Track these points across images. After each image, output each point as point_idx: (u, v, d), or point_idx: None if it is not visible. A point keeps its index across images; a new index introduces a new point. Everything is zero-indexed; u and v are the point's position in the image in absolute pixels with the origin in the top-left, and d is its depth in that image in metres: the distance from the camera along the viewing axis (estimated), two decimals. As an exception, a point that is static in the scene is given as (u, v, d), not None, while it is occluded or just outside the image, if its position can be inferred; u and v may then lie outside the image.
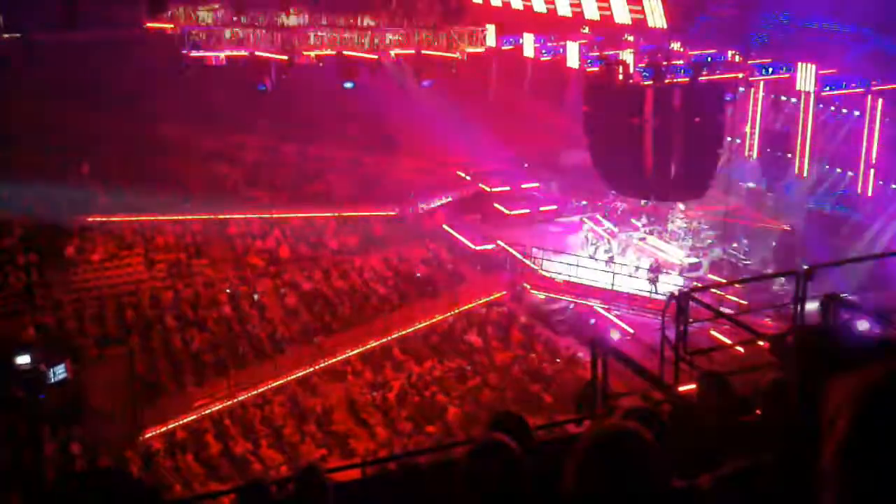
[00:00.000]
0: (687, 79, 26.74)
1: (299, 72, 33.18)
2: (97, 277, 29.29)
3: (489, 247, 31.95)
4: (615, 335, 24.57)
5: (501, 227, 33.44)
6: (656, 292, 27.37)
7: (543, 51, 32.65)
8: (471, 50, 32.89)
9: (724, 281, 26.30)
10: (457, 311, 28.68)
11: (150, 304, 28.30)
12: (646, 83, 26.80)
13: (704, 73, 27.37)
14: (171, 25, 32.34)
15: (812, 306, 8.14)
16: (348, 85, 34.82)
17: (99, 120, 31.29)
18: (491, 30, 33.54)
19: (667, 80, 26.55)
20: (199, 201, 32.42)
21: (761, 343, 9.24)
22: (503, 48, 33.98)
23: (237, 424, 23.73)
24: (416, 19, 33.01)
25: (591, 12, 29.17)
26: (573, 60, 30.98)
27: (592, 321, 27.84)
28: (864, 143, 26.61)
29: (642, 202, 32.13)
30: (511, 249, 31.08)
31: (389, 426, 23.32)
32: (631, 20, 28.08)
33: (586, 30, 31.48)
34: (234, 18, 32.08)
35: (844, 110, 28.21)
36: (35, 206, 28.61)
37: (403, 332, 27.54)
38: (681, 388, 8.12)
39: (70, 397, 22.24)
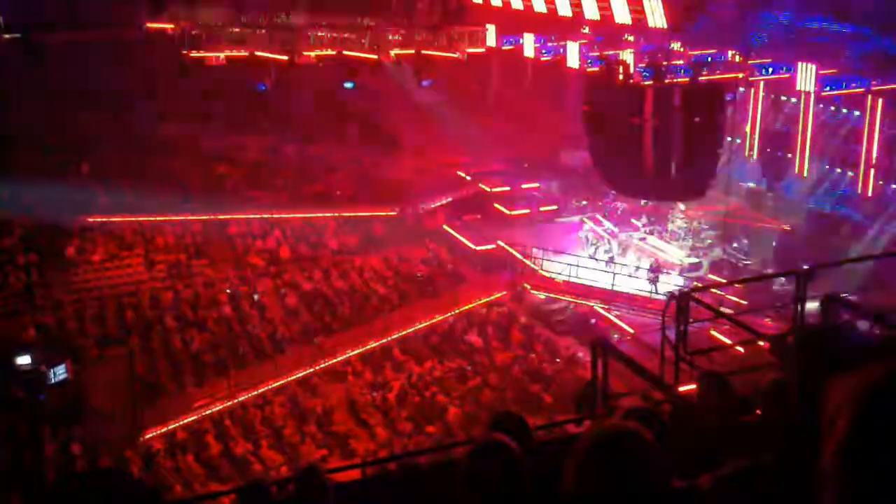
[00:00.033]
0: (687, 79, 26.72)
1: (299, 72, 33.20)
2: (97, 278, 29.30)
3: (489, 247, 31.94)
4: (614, 335, 24.59)
5: (501, 227, 33.44)
6: (656, 292, 27.38)
7: (544, 51, 32.63)
8: (471, 50, 32.90)
9: (724, 281, 26.31)
10: (457, 311, 28.68)
11: (150, 305, 28.30)
12: (646, 83, 26.77)
13: (704, 73, 27.36)
14: (172, 25, 32.35)
15: (812, 306, 8.14)
16: (348, 85, 34.85)
17: (99, 120, 31.29)
18: (491, 30, 33.55)
19: (667, 80, 26.52)
20: (199, 201, 32.41)
21: (761, 343, 9.25)
22: (503, 48, 33.98)
23: (237, 425, 23.73)
24: (417, 19, 33.01)
25: (592, 12, 29.14)
26: (573, 60, 30.97)
27: (593, 321, 27.85)
28: (864, 143, 26.60)
29: (642, 202, 32.13)
30: (511, 249, 31.08)
31: (390, 426, 23.32)
32: (631, 20, 28.06)
33: (586, 30, 31.47)
34: (237, 19, 32.09)
35: (844, 110, 28.21)
36: (35, 206, 28.59)
37: (404, 333, 27.54)
38: (681, 389, 8.12)
39: (70, 398, 22.25)
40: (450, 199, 35.59)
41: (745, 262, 29.67)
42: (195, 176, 34.84)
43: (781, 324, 17.44)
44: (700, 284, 23.02)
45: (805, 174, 28.59)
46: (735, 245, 30.42)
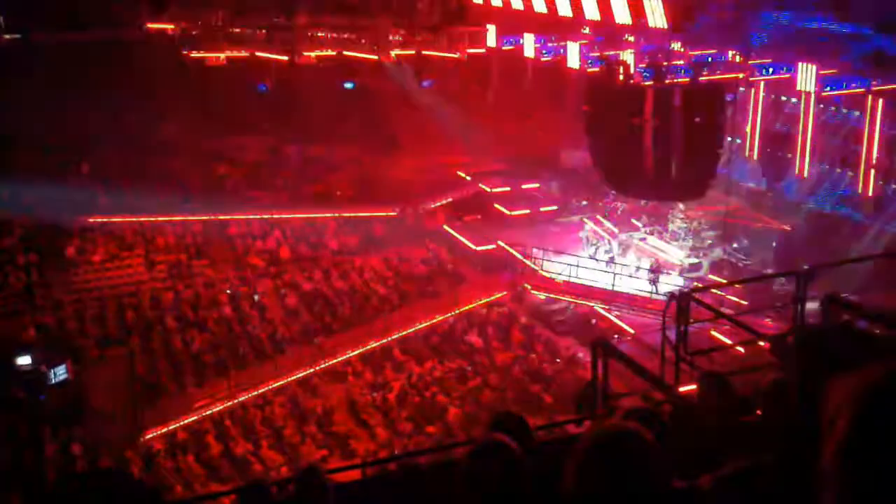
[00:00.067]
0: (687, 79, 26.73)
1: (300, 72, 33.23)
2: (98, 278, 29.32)
3: (490, 247, 31.94)
4: (615, 336, 24.60)
5: (502, 227, 33.44)
6: (657, 293, 27.37)
7: (544, 51, 32.65)
8: (471, 50, 32.92)
9: (724, 281, 26.29)
10: (457, 311, 28.67)
11: (150, 305, 28.31)
12: (646, 83, 26.78)
13: (705, 73, 27.37)
14: (172, 26, 32.38)
15: (812, 306, 8.14)
16: (348, 85, 34.91)
17: (99, 120, 31.28)
18: (491, 30, 33.57)
19: (667, 81, 26.53)
20: (199, 201, 32.43)
21: (762, 343, 9.24)
22: (503, 48, 33.98)
23: (238, 425, 23.73)
24: (417, 20, 33.02)
25: (592, 12, 29.15)
26: (574, 61, 30.98)
27: (593, 321, 27.85)
28: (865, 144, 26.59)
29: (642, 202, 32.12)
30: (511, 250, 31.08)
31: (390, 427, 23.32)
32: (631, 20, 28.06)
33: (587, 30, 31.48)
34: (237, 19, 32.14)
35: (845, 110, 28.20)
36: (35, 206, 28.60)
37: (404, 333, 27.54)
38: (681, 389, 8.11)
39: (71, 398, 22.26)
40: (450, 200, 35.59)
41: (746, 263, 29.66)
42: (195, 176, 34.85)
43: (782, 324, 17.44)
44: (700, 285, 23.01)
45: (805, 174, 28.57)
46: (735, 245, 30.41)
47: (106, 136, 32.29)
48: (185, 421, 23.69)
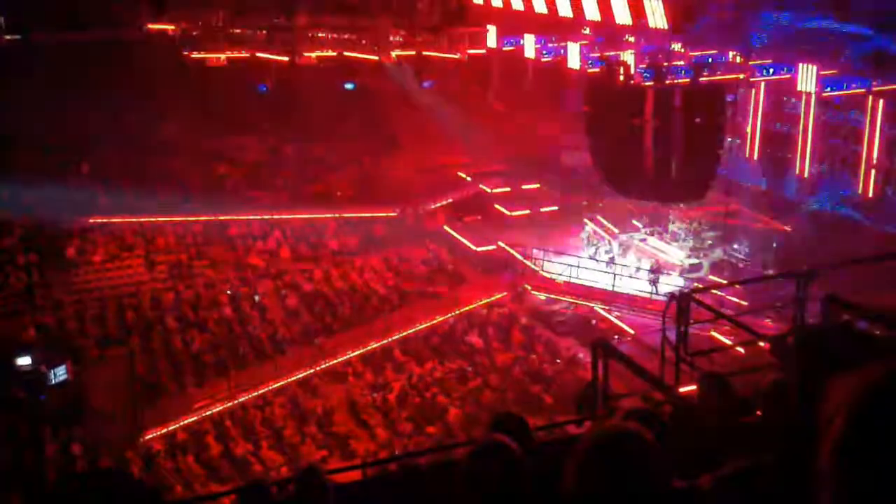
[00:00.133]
0: (688, 80, 26.74)
1: (300, 72, 33.23)
2: (98, 278, 29.32)
3: (490, 248, 31.94)
4: (615, 336, 24.60)
5: (502, 227, 33.44)
6: (657, 293, 27.37)
7: (544, 52, 32.66)
8: (471, 51, 32.92)
9: (724, 282, 26.28)
10: (458, 312, 28.67)
11: (150, 305, 28.32)
12: (647, 84, 26.79)
13: (705, 73, 27.36)
14: (172, 26, 32.38)
15: (813, 307, 8.14)
16: (349, 86, 34.92)
17: (99, 120, 31.28)
18: (492, 31, 33.56)
19: (667, 81, 26.54)
20: (199, 201, 32.43)
21: (762, 344, 9.25)
22: (504, 49, 33.98)
23: (238, 425, 23.73)
24: (417, 20, 33.02)
25: (592, 13, 29.16)
26: (574, 61, 30.99)
27: (594, 322, 27.85)
28: (865, 144, 26.58)
29: (641, 202, 32.10)
30: (512, 250, 31.08)
31: (390, 427, 23.32)
32: (632, 21, 28.07)
33: (587, 31, 31.49)
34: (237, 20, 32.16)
35: (845, 112, 28.18)
36: (35, 206, 28.61)
37: (404, 333, 27.54)
38: (681, 389, 8.11)
39: (71, 398, 22.27)
40: (450, 200, 35.60)
41: (746, 263, 29.65)
42: (195, 176, 34.86)
43: (782, 325, 17.43)
44: (700, 285, 23.00)
45: (805, 174, 28.57)
46: (735, 246, 30.41)
47: (106, 136, 32.30)
48: (185, 421, 23.69)
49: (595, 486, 2.30)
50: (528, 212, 34.69)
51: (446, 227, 33.79)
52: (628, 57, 29.14)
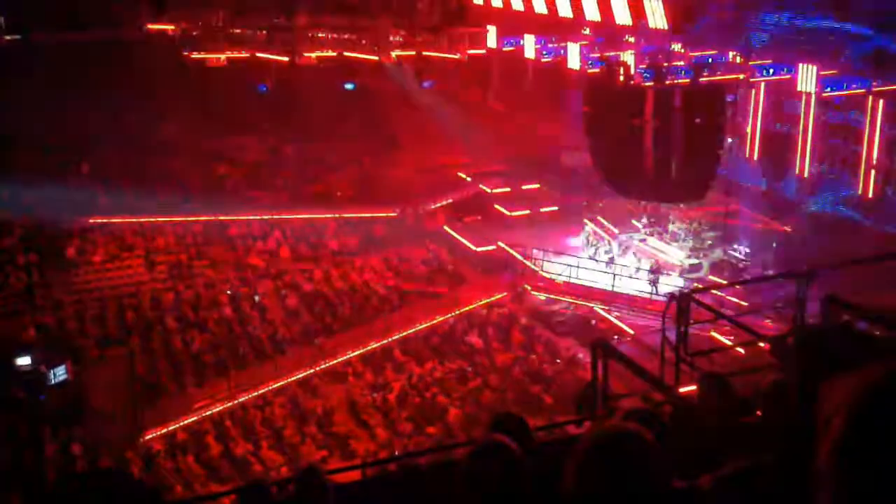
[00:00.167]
0: (688, 80, 26.75)
1: (300, 72, 33.23)
2: (98, 278, 29.33)
3: (490, 248, 31.94)
4: (615, 337, 24.59)
5: (502, 228, 33.44)
6: (657, 293, 27.36)
7: (544, 52, 32.66)
8: (471, 51, 32.91)
9: (724, 282, 26.27)
10: (457, 312, 28.67)
11: (150, 306, 28.32)
12: (647, 84, 26.80)
13: (705, 74, 27.38)
14: (172, 26, 32.38)
15: (812, 307, 8.14)
16: (349, 86, 34.91)
17: (99, 120, 31.30)
18: (492, 31, 33.57)
19: (667, 82, 26.55)
20: (199, 201, 32.45)
21: (762, 344, 9.25)
22: (504, 49, 33.98)
23: (238, 425, 23.73)
24: (417, 20, 33.02)
25: (592, 13, 29.17)
26: (574, 62, 30.99)
27: (593, 322, 27.85)
28: (865, 145, 26.58)
29: (641, 203, 32.11)
30: (511, 250, 31.08)
31: (390, 427, 23.32)
32: (632, 21, 28.08)
33: (587, 31, 31.49)
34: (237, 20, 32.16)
35: (845, 112, 28.18)
36: (35, 206, 28.62)
37: (404, 334, 27.54)
38: (681, 390, 8.12)
39: (71, 398, 22.27)
40: (450, 200, 35.61)
41: (745, 263, 29.65)
42: (195, 176, 34.87)
43: (782, 325, 17.43)
44: (700, 286, 23.00)
45: (805, 175, 28.57)
46: (735, 246, 30.40)
47: (106, 136, 32.32)
48: (185, 421, 23.68)
49: (595, 487, 2.30)
50: (528, 212, 34.69)
51: (446, 228, 33.79)
52: (628, 57, 29.14)
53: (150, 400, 24.18)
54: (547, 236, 32.04)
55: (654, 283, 28.36)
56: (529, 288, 29.37)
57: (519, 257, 30.77)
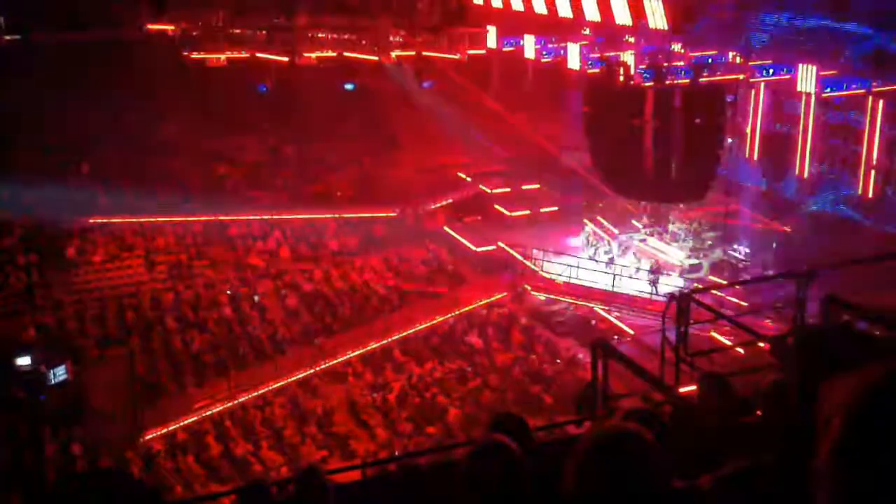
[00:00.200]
0: (687, 80, 26.76)
1: (300, 72, 33.23)
2: (98, 278, 29.33)
3: (490, 248, 31.94)
4: (614, 337, 24.59)
5: (502, 228, 33.45)
6: (657, 294, 27.36)
7: (544, 52, 32.67)
8: (471, 51, 32.91)
9: (724, 282, 26.28)
10: (457, 312, 28.67)
11: (150, 306, 28.32)
12: (646, 84, 26.82)
13: (705, 74, 27.39)
14: (172, 27, 32.38)
15: (812, 308, 8.14)
16: (349, 86, 34.90)
17: (99, 120, 31.31)
18: (492, 31, 33.56)
19: (667, 82, 26.57)
20: (199, 201, 32.45)
21: (762, 344, 9.25)
22: (504, 49, 33.98)
23: (238, 426, 23.73)
24: (417, 20, 33.02)
25: (592, 13, 29.17)
26: (574, 62, 31.00)
27: (593, 322, 27.84)
28: (865, 145, 26.59)
29: (641, 203, 32.12)
30: (511, 251, 31.07)
31: (390, 427, 23.32)
32: (632, 21, 28.09)
33: (587, 31, 31.50)
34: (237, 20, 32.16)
35: (845, 112, 28.19)
36: (35, 206, 28.63)
37: (404, 334, 27.53)
38: (681, 390, 8.11)
39: (71, 398, 22.27)
40: (450, 200, 35.60)
41: (745, 263, 29.65)
42: (195, 176, 34.87)
43: (781, 325, 17.43)
44: (700, 286, 23.00)
45: (805, 175, 28.58)
46: (735, 246, 30.40)
47: (106, 136, 32.32)
48: (185, 421, 23.68)
49: (595, 487, 2.30)
50: (528, 212, 34.70)
51: (446, 228, 33.79)
52: (628, 57, 29.15)
53: (150, 400, 24.17)
54: (547, 236, 32.04)
55: (653, 283, 28.36)
56: (529, 288, 29.36)
57: (519, 257, 30.76)
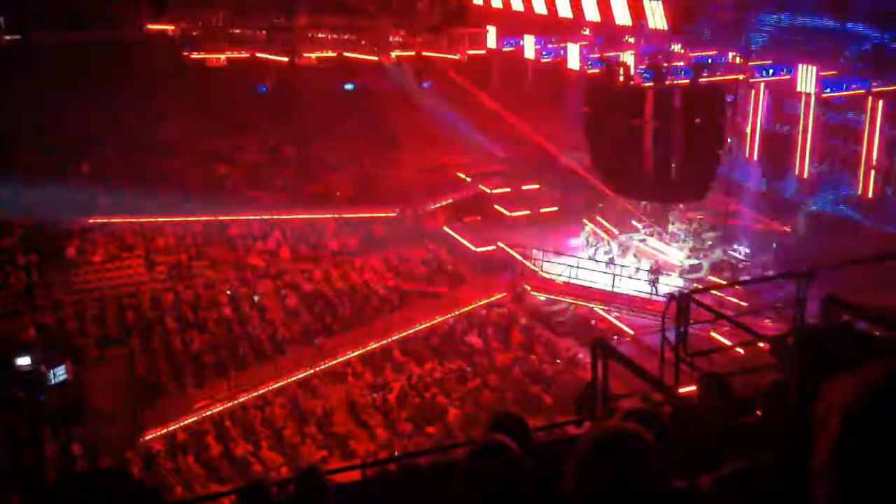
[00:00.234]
0: (687, 80, 26.76)
1: (300, 72, 33.23)
2: (98, 278, 29.33)
3: (489, 248, 31.94)
4: (614, 337, 24.59)
5: (502, 228, 33.44)
6: (656, 294, 27.35)
7: (544, 52, 32.66)
8: (471, 52, 32.91)
9: (724, 282, 26.27)
10: (457, 312, 28.66)
11: (150, 306, 28.32)
12: (646, 85, 26.81)
13: (705, 74, 27.39)
14: (172, 27, 32.38)
15: (812, 308, 8.14)
16: (349, 86, 34.90)
17: (99, 120, 31.31)
18: (491, 31, 33.56)
19: (667, 82, 26.57)
20: (199, 202, 32.45)
21: (761, 344, 9.25)
22: (504, 50, 33.98)
23: (238, 426, 23.72)
24: (417, 21, 33.01)
25: (592, 14, 29.17)
26: (574, 62, 30.99)
27: (593, 322, 27.84)
28: (865, 145, 26.59)
29: (641, 203, 32.12)
30: (511, 251, 31.07)
31: (390, 427, 23.32)
32: (631, 22, 28.09)
33: (587, 31, 31.50)
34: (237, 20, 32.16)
35: (845, 112, 28.19)
36: (35, 206, 28.63)
37: (404, 334, 27.53)
38: (681, 390, 8.11)
39: (71, 398, 22.26)
40: (450, 201, 35.60)
41: (745, 264, 29.65)
42: (195, 176, 34.87)
43: (781, 325, 17.43)
44: (700, 286, 23.00)
45: (805, 175, 28.58)
46: (735, 246, 30.40)
47: (106, 136, 32.34)
48: (185, 421, 23.68)
49: (595, 487, 2.30)
50: (527, 212, 34.70)
51: (446, 228, 33.79)
52: (628, 58, 29.15)
53: (150, 400, 24.17)
54: (547, 236, 32.03)
55: (653, 283, 28.35)
56: (529, 288, 29.35)
57: (519, 257, 30.76)
